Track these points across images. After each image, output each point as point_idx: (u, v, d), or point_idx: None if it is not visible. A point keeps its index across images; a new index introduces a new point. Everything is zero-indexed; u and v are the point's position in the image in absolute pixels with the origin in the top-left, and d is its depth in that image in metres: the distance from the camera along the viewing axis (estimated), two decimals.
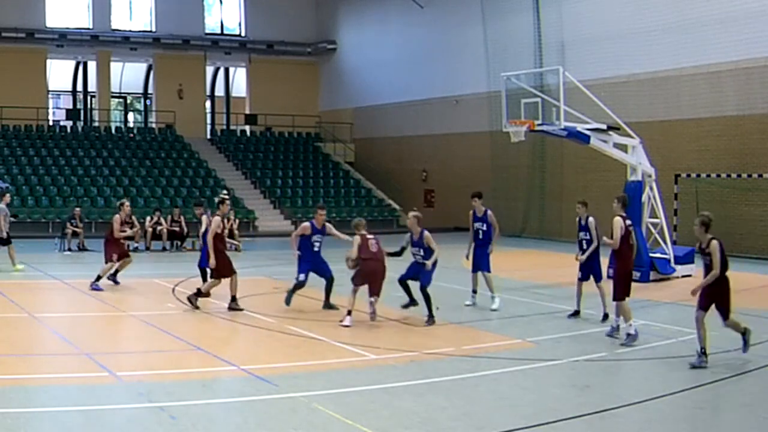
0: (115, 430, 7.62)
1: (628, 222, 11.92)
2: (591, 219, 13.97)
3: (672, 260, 18.85)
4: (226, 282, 14.02)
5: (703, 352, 10.18)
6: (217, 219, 14.12)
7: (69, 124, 38.56)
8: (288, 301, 14.02)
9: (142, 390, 8.75)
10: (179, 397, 8.56)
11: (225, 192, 17.03)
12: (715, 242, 10.18)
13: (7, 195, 20.12)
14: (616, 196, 12.37)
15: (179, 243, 25.29)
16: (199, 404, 8.46)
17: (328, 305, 14.21)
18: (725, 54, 23.72)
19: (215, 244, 13.85)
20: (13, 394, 8.46)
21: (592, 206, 14.22)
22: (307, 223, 14.48)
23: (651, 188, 19.00)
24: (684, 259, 19.23)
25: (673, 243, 20.48)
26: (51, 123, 38.32)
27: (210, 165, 36.33)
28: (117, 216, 17.11)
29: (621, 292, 11.72)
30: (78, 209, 25.52)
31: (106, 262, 16.51)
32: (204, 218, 15.81)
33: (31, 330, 12.43)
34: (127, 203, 17.86)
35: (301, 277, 14.10)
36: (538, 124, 18.31)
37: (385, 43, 37.91)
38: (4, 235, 18.97)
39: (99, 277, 16.08)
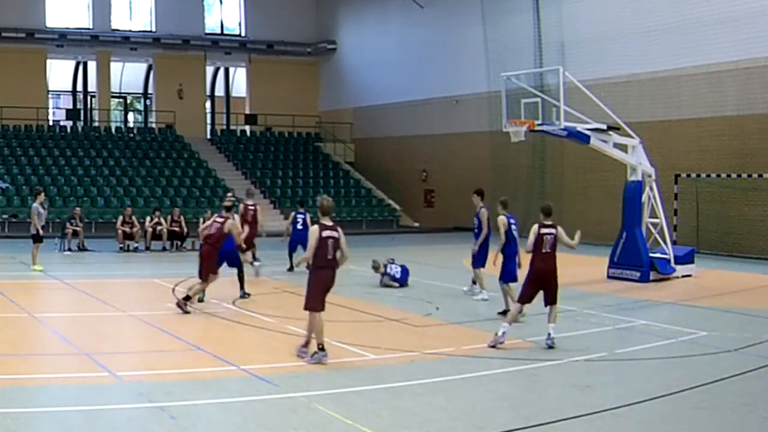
0: (115, 430, 7.62)
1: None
2: (483, 210, 15.13)
3: (672, 260, 18.85)
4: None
5: (321, 348, 10.25)
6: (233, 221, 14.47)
7: (69, 124, 38.55)
8: None
9: (142, 390, 8.75)
10: (179, 397, 8.56)
11: (231, 194, 17.69)
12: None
13: (42, 194, 19.97)
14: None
15: (179, 243, 25.29)
16: (199, 404, 8.45)
17: None
18: (725, 54, 23.73)
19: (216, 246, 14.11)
20: (13, 394, 8.45)
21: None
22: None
23: (651, 188, 18.99)
24: (684, 259, 19.25)
25: (673, 243, 20.49)
26: (51, 123, 38.32)
27: (210, 165, 36.33)
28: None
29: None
30: (78, 209, 25.52)
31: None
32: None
33: (31, 330, 12.42)
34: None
35: None
36: (538, 124, 18.30)
37: (385, 43, 37.91)
38: (35, 231, 18.96)
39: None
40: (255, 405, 8.46)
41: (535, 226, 11.87)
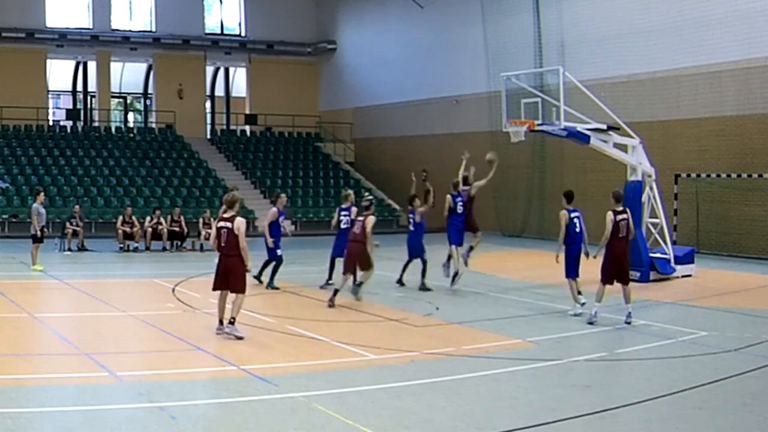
0: (115, 430, 7.61)
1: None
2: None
3: (672, 260, 18.85)
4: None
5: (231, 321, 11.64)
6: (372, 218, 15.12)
7: (69, 124, 38.52)
8: None
9: (142, 390, 8.75)
10: (179, 397, 8.56)
11: (368, 194, 18.38)
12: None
13: (42, 194, 19.91)
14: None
15: (179, 243, 25.30)
16: (199, 404, 8.46)
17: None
18: (725, 54, 23.70)
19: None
20: (13, 394, 8.45)
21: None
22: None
23: (651, 188, 18.99)
24: (684, 259, 19.25)
25: (673, 243, 20.48)
26: (51, 123, 38.28)
27: (210, 165, 36.33)
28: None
29: None
30: (77, 207, 25.37)
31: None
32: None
33: (31, 330, 12.43)
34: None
35: None
36: (538, 124, 18.30)
37: (385, 43, 37.89)
38: (37, 232, 18.91)
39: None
40: (255, 405, 8.46)
41: (610, 213, 13.14)
